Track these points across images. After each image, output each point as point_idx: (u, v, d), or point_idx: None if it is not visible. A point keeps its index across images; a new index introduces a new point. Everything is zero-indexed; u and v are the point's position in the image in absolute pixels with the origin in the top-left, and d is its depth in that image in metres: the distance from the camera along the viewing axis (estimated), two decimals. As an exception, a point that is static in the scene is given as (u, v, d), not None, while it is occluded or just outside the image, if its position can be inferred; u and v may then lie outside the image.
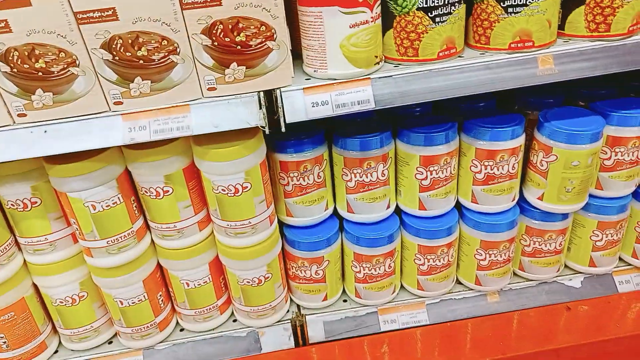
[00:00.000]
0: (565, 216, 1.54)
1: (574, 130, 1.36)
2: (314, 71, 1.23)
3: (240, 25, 1.10)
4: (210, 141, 1.25)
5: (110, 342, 1.55)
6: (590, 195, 1.54)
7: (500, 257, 1.55)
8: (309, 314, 1.59)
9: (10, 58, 1.07)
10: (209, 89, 1.18)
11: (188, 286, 1.45)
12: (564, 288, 1.66)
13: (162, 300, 1.49)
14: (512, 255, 1.58)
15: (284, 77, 1.19)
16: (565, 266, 1.71)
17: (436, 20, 1.19)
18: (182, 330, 1.57)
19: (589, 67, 1.27)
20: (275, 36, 1.13)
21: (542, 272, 1.64)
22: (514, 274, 1.69)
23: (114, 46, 1.08)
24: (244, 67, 1.15)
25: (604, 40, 1.26)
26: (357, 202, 1.46)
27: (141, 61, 1.10)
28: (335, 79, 1.21)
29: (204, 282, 1.46)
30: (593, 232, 1.58)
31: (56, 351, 1.53)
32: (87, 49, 1.08)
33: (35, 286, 1.44)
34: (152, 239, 1.42)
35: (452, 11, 1.20)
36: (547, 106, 1.54)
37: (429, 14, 1.18)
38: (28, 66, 1.08)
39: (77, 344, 1.50)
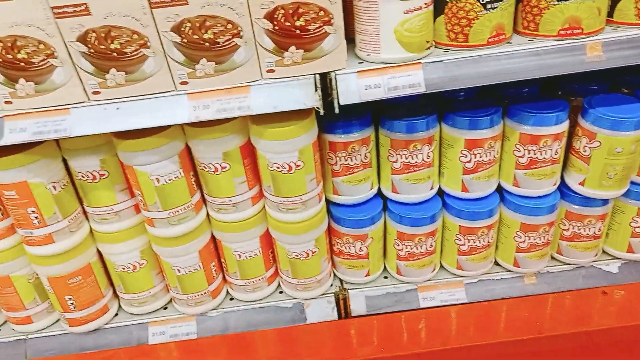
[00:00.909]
0: (605, 202, 1.56)
1: (618, 117, 1.39)
2: (367, 55, 1.28)
3: (301, 10, 1.16)
4: (267, 121, 1.32)
5: (166, 308, 1.66)
6: (632, 182, 1.55)
7: (539, 240, 1.59)
8: (351, 289, 1.67)
9: (88, 39, 1.15)
10: (268, 71, 1.24)
11: (240, 257, 1.54)
12: (601, 273, 1.69)
13: (214, 270, 1.58)
14: (551, 238, 1.62)
15: (338, 60, 1.24)
16: (603, 251, 1.73)
17: (487, 7, 1.23)
18: (232, 299, 1.67)
19: (637, 55, 1.29)
20: (332, 21, 1.19)
21: (580, 256, 1.67)
22: (552, 257, 1.73)
23: (183, 29, 1.16)
24: (302, 51, 1.21)
25: (655, 27, 1.28)
26: (401, 183, 1.52)
27: (207, 44, 1.18)
28: (388, 63, 1.26)
29: (255, 255, 1.55)
30: (633, 219, 1.60)
31: (116, 314, 1.65)
32: (157, 32, 1.16)
33: (99, 253, 1.55)
34: (207, 212, 1.51)
35: (503, -2, 1.23)
36: (591, 93, 1.55)
37: (481, 0, 1.22)
38: (104, 47, 1.16)
39: (135, 308, 1.62)
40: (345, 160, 1.48)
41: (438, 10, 1.27)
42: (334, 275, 1.71)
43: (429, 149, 1.47)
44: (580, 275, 1.70)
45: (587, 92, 1.57)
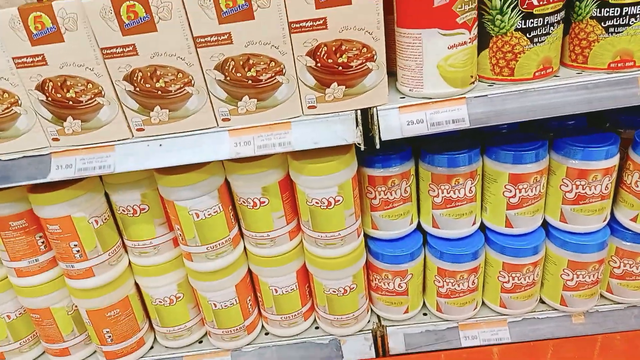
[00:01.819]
0: (660, 239, 1.49)
1: (675, 152, 1.33)
2: (409, 90, 1.27)
3: (343, 47, 1.16)
4: (306, 156, 1.31)
5: (201, 342, 1.64)
6: (688, 218, 1.48)
7: (589, 278, 1.51)
8: (389, 325, 1.62)
9: (134, 78, 1.17)
10: (309, 107, 1.24)
11: (276, 292, 1.52)
12: (655, 313, 1.61)
13: (250, 305, 1.57)
14: (600, 277, 1.54)
15: (380, 96, 1.23)
16: (657, 290, 1.65)
17: (534, 41, 1.20)
18: (267, 334, 1.64)
19: (693, 87, 1.23)
20: (375, 57, 1.18)
21: (631, 295, 1.58)
22: (602, 296, 1.64)
23: (226, 68, 1.17)
24: (344, 87, 1.21)
25: None
26: (442, 218, 1.48)
27: (250, 81, 1.18)
28: (431, 98, 1.24)
29: (291, 289, 1.53)
30: (690, 257, 1.52)
31: (152, 347, 1.64)
32: (202, 70, 1.17)
33: (137, 286, 1.55)
34: (245, 246, 1.50)
35: (550, 31, 1.20)
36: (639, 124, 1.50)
37: (527, 34, 1.19)
38: (149, 86, 1.18)
39: (171, 342, 1.61)
40: (385, 195, 1.45)
41: (482, 45, 1.25)
42: (372, 311, 1.67)
43: (472, 183, 1.43)
44: (632, 314, 1.61)
45: (637, 124, 1.52)
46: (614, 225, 1.52)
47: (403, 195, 1.46)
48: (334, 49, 1.16)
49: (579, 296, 1.55)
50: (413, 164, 1.47)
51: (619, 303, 1.62)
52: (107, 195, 1.42)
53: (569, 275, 1.53)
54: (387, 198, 1.46)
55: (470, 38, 1.19)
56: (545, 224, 1.54)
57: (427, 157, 1.43)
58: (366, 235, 1.56)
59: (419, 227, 1.58)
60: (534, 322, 1.61)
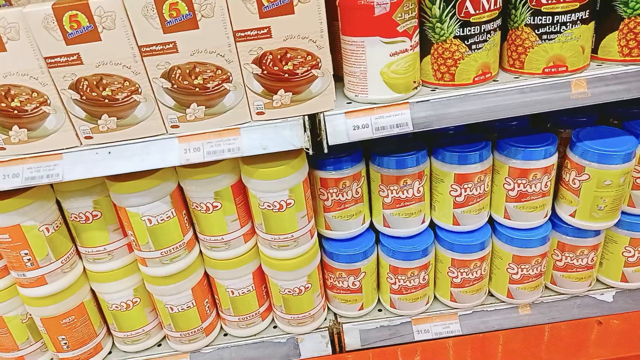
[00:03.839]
0: (597, 232, 1.57)
1: (607, 151, 1.40)
2: (355, 96, 1.30)
3: (288, 55, 1.18)
4: (257, 160, 1.34)
5: (160, 345, 1.66)
6: (623, 212, 1.56)
7: (532, 271, 1.59)
8: (345, 322, 1.67)
9: (80, 87, 1.18)
10: (257, 114, 1.26)
11: (233, 294, 1.55)
12: (596, 302, 1.69)
13: (208, 307, 1.59)
14: (544, 269, 1.62)
15: (327, 101, 1.26)
16: (598, 280, 1.74)
17: (472, 48, 1.25)
18: (225, 335, 1.67)
19: (621, 91, 1.31)
20: (320, 65, 1.21)
21: (573, 286, 1.67)
22: (546, 287, 1.72)
23: (173, 75, 1.18)
24: (291, 93, 1.23)
25: (638, 64, 1.30)
26: (393, 217, 1.53)
27: (197, 89, 1.20)
28: (376, 103, 1.28)
29: (248, 291, 1.55)
30: (625, 249, 1.61)
31: (110, 352, 1.64)
32: (148, 78, 1.18)
33: (93, 292, 1.55)
34: (200, 250, 1.52)
35: (487, 38, 1.26)
36: (580, 125, 1.57)
37: (465, 41, 1.24)
38: (96, 94, 1.18)
39: (129, 346, 1.61)
40: (337, 196, 1.49)
41: (424, 51, 1.30)
42: (328, 309, 1.71)
43: (419, 183, 1.48)
44: (575, 304, 1.70)
45: (576, 124, 1.59)
46: (555, 220, 1.59)
47: (354, 196, 1.50)
48: (279, 56, 1.19)
49: (524, 288, 1.63)
50: (364, 165, 1.51)
51: (562, 294, 1.70)
52: (58, 203, 1.41)
53: (514, 269, 1.60)
54: (339, 199, 1.50)
55: (411, 45, 1.23)
56: (491, 221, 1.61)
57: (377, 159, 1.48)
58: (320, 235, 1.60)
59: (372, 226, 1.62)
60: (484, 315, 1.68)
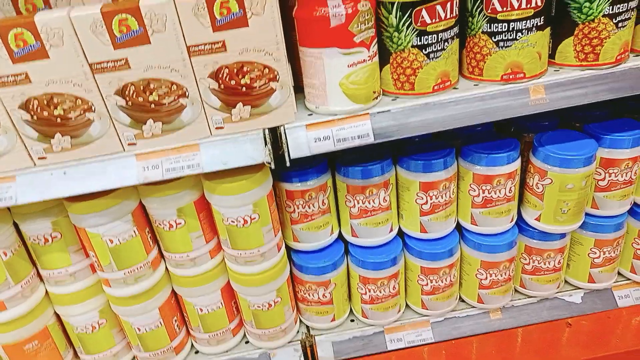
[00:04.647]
0: (562, 235, 1.59)
1: (568, 155, 1.42)
2: (316, 107, 1.29)
3: (245, 68, 1.17)
4: (219, 175, 1.32)
5: (128, 366, 1.62)
6: (587, 214, 1.58)
7: (501, 276, 1.60)
8: (318, 335, 1.65)
9: (30, 107, 1.14)
10: (217, 128, 1.24)
11: (202, 312, 1.52)
12: (565, 304, 1.71)
13: (177, 325, 1.56)
14: (512, 274, 1.63)
15: (287, 114, 1.25)
16: (566, 282, 1.75)
17: (430, 56, 1.25)
18: (197, 352, 1.64)
19: (579, 95, 1.32)
20: (277, 77, 1.20)
21: (542, 289, 1.68)
22: (516, 290, 1.74)
23: (127, 93, 1.15)
24: (250, 107, 1.22)
25: (593, 69, 1.32)
26: (360, 227, 1.52)
27: (153, 105, 1.18)
28: (336, 115, 1.27)
29: (217, 307, 1.53)
30: (591, 250, 1.63)
31: (77, 376, 1.60)
32: (102, 96, 1.16)
33: (57, 314, 1.51)
34: (166, 268, 1.49)
35: (445, 47, 1.26)
36: (543, 129, 1.59)
37: (423, 50, 1.24)
38: (47, 113, 1.15)
39: (96, 369, 1.58)
40: (303, 208, 1.48)
41: (383, 60, 1.30)
42: (300, 321, 1.69)
43: (385, 193, 1.48)
44: (544, 307, 1.71)
45: (539, 128, 1.61)
46: (522, 224, 1.61)
47: (321, 208, 1.49)
48: (235, 70, 1.17)
49: (494, 293, 1.64)
50: (329, 176, 1.50)
51: (532, 297, 1.71)
52: (16, 224, 1.37)
53: (483, 274, 1.60)
54: (306, 211, 1.48)
55: (369, 56, 1.23)
56: (460, 227, 1.61)
57: (342, 169, 1.47)
58: (289, 248, 1.58)
59: (341, 236, 1.61)
60: (455, 321, 1.68)
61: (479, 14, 1.26)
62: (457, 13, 1.26)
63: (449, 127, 1.30)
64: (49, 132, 1.18)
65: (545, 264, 1.62)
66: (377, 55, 1.27)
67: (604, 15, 1.25)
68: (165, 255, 1.46)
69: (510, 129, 1.68)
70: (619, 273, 1.75)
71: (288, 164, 1.28)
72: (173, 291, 1.53)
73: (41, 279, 1.46)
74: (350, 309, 1.72)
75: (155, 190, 1.32)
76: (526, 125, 1.65)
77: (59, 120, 1.16)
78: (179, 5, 1.08)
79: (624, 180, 1.52)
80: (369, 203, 1.48)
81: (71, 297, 1.45)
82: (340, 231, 1.60)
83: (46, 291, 1.46)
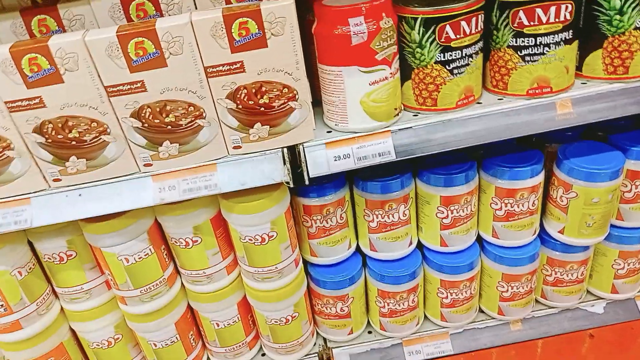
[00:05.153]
0: (586, 247, 1.55)
1: (594, 169, 1.37)
2: (335, 125, 1.26)
3: (264, 89, 1.13)
4: (236, 194, 1.29)
5: (145, 380, 1.62)
6: (612, 226, 1.54)
7: (522, 288, 1.57)
8: (335, 347, 1.64)
9: (45, 130, 1.12)
10: (234, 148, 1.21)
11: (218, 326, 1.51)
12: (587, 314, 1.68)
13: (193, 340, 1.54)
14: (534, 286, 1.60)
15: (306, 132, 1.22)
16: (588, 292, 1.72)
17: (454, 72, 1.21)
18: (213, 366, 1.64)
19: (607, 109, 1.27)
20: (297, 97, 1.16)
21: (564, 300, 1.65)
22: (537, 301, 1.71)
23: (143, 115, 1.12)
24: (268, 127, 1.19)
25: (623, 82, 1.27)
26: (379, 241, 1.50)
27: (169, 127, 1.15)
28: (356, 133, 1.24)
29: (233, 322, 1.51)
30: (615, 261, 1.59)
31: (94, 390, 1.60)
32: (117, 118, 1.13)
33: (72, 330, 1.50)
34: (182, 283, 1.47)
35: (469, 62, 1.21)
36: (566, 139, 1.55)
37: (447, 66, 1.20)
38: (62, 136, 1.13)
39: (113, 383, 1.57)
40: (321, 223, 1.45)
41: (405, 76, 1.25)
42: (317, 333, 1.68)
43: (405, 207, 1.44)
44: (566, 318, 1.68)
45: (562, 138, 1.56)
46: (544, 236, 1.57)
47: (339, 222, 1.46)
48: (254, 90, 1.13)
49: (515, 305, 1.61)
50: (347, 190, 1.47)
51: (553, 307, 1.68)
52: (31, 243, 1.35)
53: (504, 287, 1.57)
54: (324, 226, 1.46)
55: (391, 73, 1.19)
56: (480, 238, 1.58)
57: (360, 184, 1.44)
58: (306, 262, 1.56)
59: (359, 249, 1.59)
60: (475, 333, 1.66)
61: (504, 28, 1.21)
62: (482, 28, 1.21)
63: (473, 144, 1.26)
64: (64, 154, 1.15)
65: (567, 276, 1.59)
66: (399, 71, 1.23)
67: (635, 29, 1.20)
68: (181, 271, 1.44)
69: (532, 139, 1.63)
70: (642, 283, 1.71)
71: (307, 182, 1.25)
72: (189, 306, 1.52)
73: (56, 296, 1.44)
74: (368, 321, 1.70)
75: (171, 209, 1.30)
76: (548, 135, 1.60)
77: (74, 143, 1.13)
78: (196, 27, 1.04)
79: (651, 192, 1.48)
80: (388, 217, 1.45)
81: (86, 314, 1.44)
82: (358, 244, 1.57)
83: (61, 307, 1.45)
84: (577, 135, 1.59)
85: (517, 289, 1.57)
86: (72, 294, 1.40)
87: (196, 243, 1.35)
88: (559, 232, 1.52)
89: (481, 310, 1.71)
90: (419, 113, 1.29)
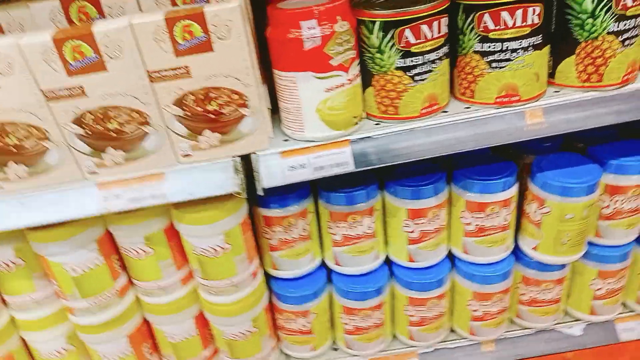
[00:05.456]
0: (562, 266, 1.48)
1: (568, 183, 1.31)
2: (292, 133, 1.20)
3: (212, 95, 1.08)
4: (189, 204, 1.23)
5: (100, 393, 1.56)
6: (590, 243, 1.47)
7: (494, 308, 1.50)
8: (298, 364, 1.58)
9: (-18, 134, 1.07)
10: (184, 156, 1.16)
11: (173, 340, 1.45)
12: (564, 336, 1.60)
13: (149, 353, 1.49)
14: (506, 305, 1.53)
15: (260, 141, 1.16)
16: (566, 313, 1.64)
17: (416, 79, 1.15)
18: (171, 380, 1.57)
19: (581, 119, 1.21)
20: (248, 103, 1.10)
21: (539, 320, 1.58)
22: (511, 321, 1.63)
23: (84, 121, 1.07)
24: (218, 134, 1.13)
25: (597, 90, 1.20)
26: (344, 255, 1.43)
27: (113, 133, 1.09)
28: (314, 141, 1.18)
29: (190, 335, 1.45)
30: (593, 281, 1.52)
31: (47, 402, 1.54)
32: (57, 125, 1.07)
33: (23, 340, 1.44)
34: (136, 294, 1.42)
35: (432, 69, 1.15)
36: (544, 150, 1.48)
37: (408, 72, 1.14)
38: (1, 143, 1.08)
39: (67, 396, 1.51)
40: (282, 235, 1.39)
41: (366, 82, 1.19)
42: (280, 349, 1.61)
43: (370, 220, 1.38)
44: (542, 339, 1.61)
45: (540, 149, 1.50)
46: (519, 253, 1.50)
47: (301, 234, 1.40)
48: (202, 97, 1.08)
49: (487, 325, 1.54)
50: (312, 201, 1.41)
51: (528, 328, 1.61)
52: (-22, 250, 1.31)
53: (474, 306, 1.50)
54: (285, 238, 1.40)
55: (348, 79, 1.13)
56: (452, 255, 1.51)
57: (324, 194, 1.38)
58: (269, 275, 1.49)
59: (325, 263, 1.52)
60: (445, 352, 1.59)
61: (470, 32, 1.15)
62: (445, 32, 1.15)
63: (437, 155, 1.20)
64: (2, 160, 1.10)
65: (543, 295, 1.52)
66: (359, 77, 1.17)
67: (608, 33, 1.14)
68: (134, 282, 1.39)
69: (509, 149, 1.56)
70: (623, 304, 1.63)
71: (261, 193, 1.19)
72: (145, 318, 1.46)
73: (5, 304, 1.39)
74: (335, 337, 1.63)
75: (121, 218, 1.25)
76: (526, 145, 1.53)
77: (12, 149, 1.08)
78: (137, 30, 0.99)
79: (631, 208, 1.41)
80: (352, 230, 1.38)
81: (36, 324, 1.39)
82: (323, 258, 1.51)
83: (11, 317, 1.40)
84: (557, 146, 1.53)
85: (489, 308, 1.50)
86: (21, 303, 1.35)
87: (148, 254, 1.29)
88: (533, 249, 1.45)
89: (453, 330, 1.63)
90: (381, 122, 1.23)
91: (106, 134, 1.09)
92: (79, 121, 1.07)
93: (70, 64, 1.00)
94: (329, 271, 1.52)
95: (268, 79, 1.23)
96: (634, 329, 1.59)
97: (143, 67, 1.03)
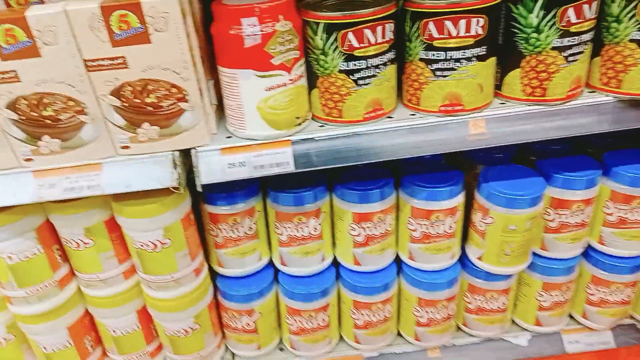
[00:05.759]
0: (507, 276, 1.48)
1: (512, 194, 1.31)
2: (234, 130, 1.20)
3: (150, 87, 1.07)
4: (129, 196, 1.22)
5: (40, 385, 1.54)
6: (536, 255, 1.48)
7: (439, 315, 1.50)
8: (242, 363, 1.57)
9: None
10: (122, 148, 1.15)
11: (115, 333, 1.44)
12: (511, 346, 1.61)
13: (91, 346, 1.47)
14: (452, 313, 1.53)
15: (200, 136, 1.16)
16: (514, 322, 1.65)
17: (359, 83, 1.15)
18: (113, 374, 1.56)
19: (524, 132, 1.22)
20: (187, 97, 1.10)
21: (486, 329, 1.59)
22: (459, 329, 1.64)
23: (18, 106, 1.06)
24: (157, 127, 1.12)
25: (541, 104, 1.21)
26: (290, 256, 1.43)
27: (48, 121, 1.08)
28: (255, 140, 1.18)
29: (132, 330, 1.44)
30: (538, 292, 1.53)
31: (-14, 391, 1.53)
32: (-9, 109, 1.07)
33: (-37, 328, 1.43)
34: (78, 286, 1.40)
35: (376, 74, 1.15)
36: (495, 161, 1.49)
37: (351, 76, 1.14)
38: None
39: (5, 386, 1.50)
40: (228, 233, 1.39)
41: (312, 84, 1.19)
42: (226, 346, 1.61)
43: (316, 221, 1.38)
44: (488, 348, 1.62)
45: (491, 160, 1.51)
46: (466, 261, 1.50)
47: (247, 233, 1.40)
48: (139, 88, 1.07)
49: (432, 332, 1.54)
50: (259, 199, 1.41)
51: (474, 336, 1.62)
52: None
53: (420, 312, 1.51)
54: (231, 236, 1.39)
55: (290, 79, 1.12)
56: (400, 259, 1.51)
57: (272, 194, 1.37)
58: (215, 272, 1.49)
59: (273, 263, 1.52)
60: (391, 358, 1.59)
61: (416, 39, 1.15)
62: (392, 37, 1.15)
63: (379, 159, 1.20)
64: None
65: (488, 304, 1.52)
66: (304, 78, 1.17)
67: (552, 48, 1.14)
68: (75, 274, 1.37)
69: (461, 158, 1.57)
70: (570, 316, 1.64)
71: (200, 189, 1.18)
72: (87, 310, 1.45)
73: (-55, 290, 1.38)
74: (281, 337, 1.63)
75: (60, 208, 1.24)
76: (478, 156, 1.54)
77: (-55, 131, 1.07)
78: (71, 17, 0.98)
79: (576, 222, 1.42)
80: (298, 231, 1.38)
81: (-25, 312, 1.37)
82: (271, 258, 1.51)
83: (-49, 303, 1.39)
84: (508, 158, 1.54)
85: (434, 314, 1.50)
86: (-42, 290, 1.34)
87: (88, 245, 1.28)
88: (478, 258, 1.45)
89: (400, 334, 1.63)
90: (325, 124, 1.23)
91: (41, 121, 1.08)
92: (13, 106, 1.06)
93: (4, 48, 0.99)
94: (277, 271, 1.51)
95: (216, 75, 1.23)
96: (580, 341, 1.60)
97: (79, 55, 1.02)
